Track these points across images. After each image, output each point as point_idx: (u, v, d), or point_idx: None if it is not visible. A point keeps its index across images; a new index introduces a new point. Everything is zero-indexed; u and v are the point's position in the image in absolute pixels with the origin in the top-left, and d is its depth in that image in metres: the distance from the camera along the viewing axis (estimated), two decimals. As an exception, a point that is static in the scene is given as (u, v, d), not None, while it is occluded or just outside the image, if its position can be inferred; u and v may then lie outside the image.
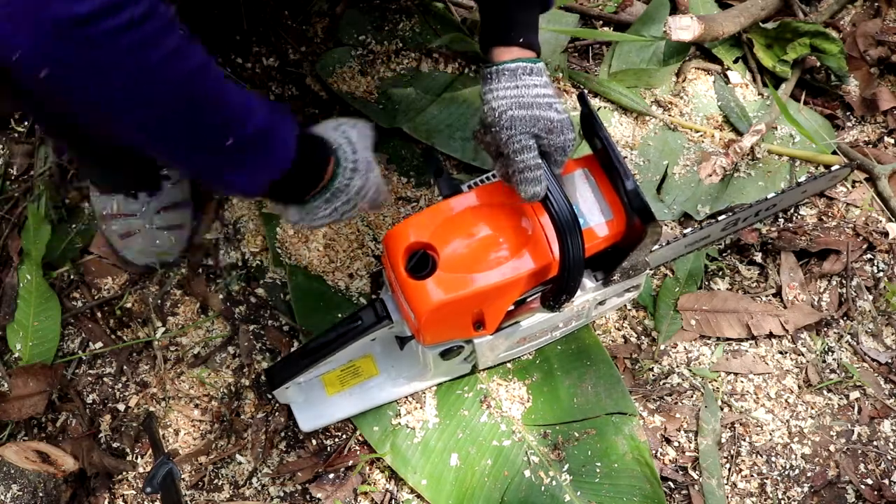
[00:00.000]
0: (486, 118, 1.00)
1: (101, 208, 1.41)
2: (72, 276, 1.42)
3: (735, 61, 1.64)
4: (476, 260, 1.02)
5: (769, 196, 1.28)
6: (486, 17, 1.04)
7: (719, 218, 1.28)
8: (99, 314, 1.40)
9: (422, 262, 1.02)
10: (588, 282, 1.15)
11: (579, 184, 1.07)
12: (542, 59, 1.02)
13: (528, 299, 1.09)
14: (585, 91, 1.04)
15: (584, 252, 0.96)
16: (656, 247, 1.25)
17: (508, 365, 1.31)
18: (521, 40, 1.00)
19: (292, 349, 1.33)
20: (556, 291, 1.01)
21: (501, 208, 1.04)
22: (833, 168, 1.32)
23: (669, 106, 1.58)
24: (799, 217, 1.47)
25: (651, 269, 1.28)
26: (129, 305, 1.40)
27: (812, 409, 1.31)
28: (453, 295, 1.00)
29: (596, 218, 1.05)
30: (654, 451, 1.27)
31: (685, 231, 1.27)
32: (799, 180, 1.30)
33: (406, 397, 1.28)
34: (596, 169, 1.07)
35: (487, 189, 1.07)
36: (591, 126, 1.00)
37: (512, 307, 1.09)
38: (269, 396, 1.30)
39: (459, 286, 1.01)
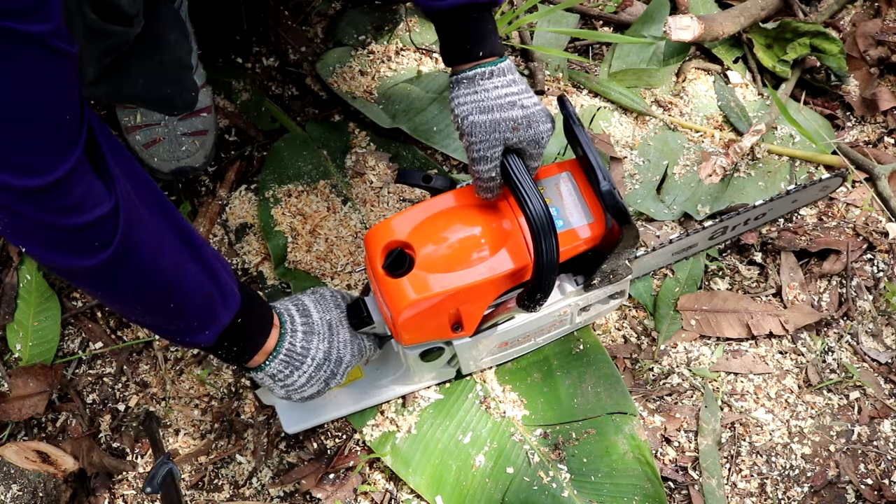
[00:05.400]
0: (455, 125, 1.03)
1: (124, 121, 1.44)
2: (72, 276, 1.42)
3: (735, 61, 1.64)
4: (453, 259, 1.02)
5: (757, 203, 1.28)
6: (442, 36, 1.05)
7: (706, 225, 1.28)
8: (99, 314, 1.40)
9: (399, 261, 1.02)
10: (569, 286, 1.15)
11: (562, 187, 1.07)
12: (504, 57, 1.03)
13: (506, 301, 1.09)
14: (565, 95, 1.04)
15: (558, 251, 0.96)
16: (641, 252, 1.25)
17: (508, 365, 1.31)
18: (480, 54, 1.01)
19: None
20: (530, 291, 1.01)
21: (481, 209, 1.05)
22: (824, 177, 1.32)
23: (669, 106, 1.58)
24: (799, 217, 1.47)
25: (634, 276, 1.28)
26: (129, 305, 1.40)
27: (812, 409, 1.31)
28: (429, 294, 1.01)
29: (577, 220, 1.05)
30: (654, 451, 1.27)
31: (671, 237, 1.27)
32: (788, 188, 1.30)
33: (406, 398, 1.28)
34: (579, 173, 1.08)
35: (467, 190, 1.07)
36: (570, 130, 1.01)
37: (491, 309, 1.09)
38: (269, 396, 1.30)
39: (435, 285, 1.01)
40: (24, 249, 0.80)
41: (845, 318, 1.38)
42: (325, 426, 1.29)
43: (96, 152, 0.80)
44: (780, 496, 1.24)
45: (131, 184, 0.84)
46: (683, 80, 1.61)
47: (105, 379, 1.35)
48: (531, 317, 1.15)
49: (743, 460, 1.27)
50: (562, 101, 1.01)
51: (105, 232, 0.80)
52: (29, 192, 0.73)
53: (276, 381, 1.07)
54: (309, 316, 1.08)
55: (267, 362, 1.05)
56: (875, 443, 1.28)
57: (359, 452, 1.26)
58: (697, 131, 1.56)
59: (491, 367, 1.30)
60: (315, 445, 1.28)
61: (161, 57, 1.23)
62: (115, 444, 1.30)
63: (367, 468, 1.26)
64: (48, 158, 0.73)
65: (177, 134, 1.43)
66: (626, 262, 1.12)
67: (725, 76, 1.63)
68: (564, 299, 1.16)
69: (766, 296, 1.39)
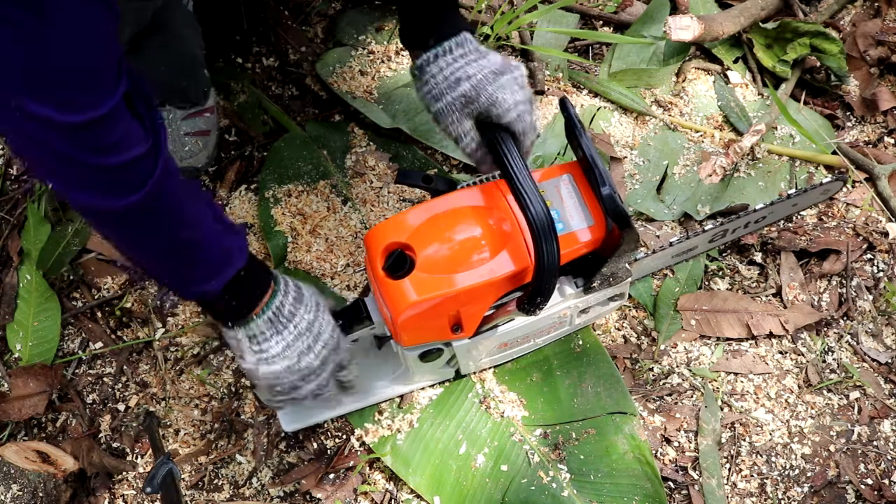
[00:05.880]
0: None
1: None
2: (71, 276, 1.42)
3: (735, 61, 1.64)
4: (454, 261, 1.02)
5: (757, 207, 1.28)
6: (402, 17, 1.06)
7: (706, 228, 1.28)
8: (99, 314, 1.40)
9: (399, 262, 1.02)
10: (568, 288, 1.15)
11: (563, 189, 1.07)
12: (450, 37, 1.03)
13: (507, 303, 1.09)
14: (567, 97, 1.04)
15: (559, 256, 0.96)
16: (641, 255, 1.24)
17: (508, 365, 1.31)
18: (430, 42, 1.03)
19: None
20: (531, 294, 1.01)
21: (481, 210, 1.04)
22: (825, 181, 1.32)
23: (669, 106, 1.58)
24: (799, 217, 1.47)
25: (634, 278, 1.28)
26: (128, 305, 1.40)
27: (812, 409, 1.31)
28: (429, 295, 1.00)
29: (577, 223, 1.05)
30: (654, 451, 1.27)
31: (672, 240, 1.27)
32: (789, 192, 1.30)
33: (405, 398, 1.28)
34: (579, 175, 1.08)
35: (468, 191, 1.07)
36: (572, 132, 1.01)
37: (491, 311, 1.09)
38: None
39: (436, 287, 1.01)
40: (51, 185, 0.81)
41: (845, 318, 1.38)
42: (325, 426, 1.29)
43: (136, 97, 0.82)
44: (780, 496, 1.24)
45: (162, 135, 0.86)
46: (683, 80, 1.61)
47: (105, 379, 1.36)
48: (531, 318, 1.15)
49: (743, 460, 1.27)
50: (563, 104, 1.01)
51: (140, 174, 0.81)
52: (70, 127, 0.74)
53: (252, 344, 1.04)
54: (300, 289, 1.08)
55: (254, 317, 1.03)
56: (875, 443, 1.28)
57: (359, 452, 1.26)
58: (697, 131, 1.56)
59: (490, 368, 1.30)
60: (315, 445, 1.28)
61: (180, 48, 1.25)
62: (115, 444, 1.30)
63: (367, 468, 1.26)
64: (93, 96, 0.75)
65: (180, 134, 1.44)
66: (626, 265, 1.12)
67: (725, 76, 1.63)
68: (564, 302, 1.16)
69: (766, 296, 1.39)
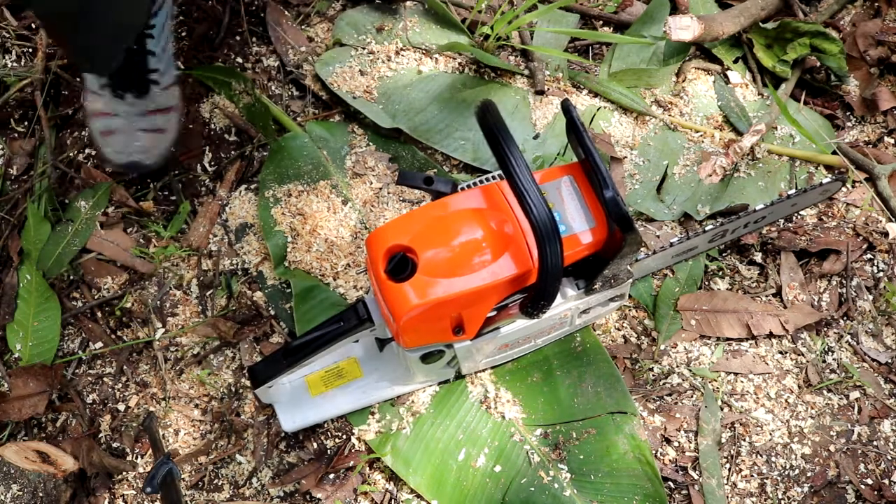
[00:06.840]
0: None
1: (91, 107, 1.44)
2: (71, 276, 1.42)
3: (735, 61, 1.64)
4: (456, 264, 1.01)
5: (758, 208, 1.28)
6: None
7: (707, 228, 1.28)
8: (99, 314, 1.40)
9: (401, 265, 1.02)
10: (570, 290, 1.15)
11: (564, 191, 1.07)
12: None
13: (509, 305, 1.09)
14: (568, 98, 1.03)
15: (562, 259, 0.95)
16: (642, 255, 1.24)
17: (508, 366, 1.31)
18: None
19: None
20: (534, 298, 1.01)
21: (483, 213, 1.04)
22: (824, 181, 1.32)
23: (669, 106, 1.58)
24: (799, 217, 1.47)
25: (634, 279, 1.28)
26: (128, 305, 1.40)
27: (812, 409, 1.31)
28: (431, 298, 1.00)
29: (579, 225, 1.05)
30: (654, 451, 1.27)
31: (672, 241, 1.27)
32: (789, 192, 1.30)
33: (405, 398, 1.28)
34: (580, 176, 1.08)
35: (469, 193, 1.06)
36: (574, 134, 1.00)
37: (493, 313, 1.09)
38: (270, 396, 1.30)
39: (438, 290, 1.00)
40: None
41: (845, 318, 1.38)
42: (325, 426, 1.29)
43: None
44: (780, 496, 1.24)
45: None
46: (683, 80, 1.61)
47: (105, 379, 1.36)
48: (533, 320, 1.15)
49: (743, 460, 1.27)
50: (566, 107, 1.01)
51: None
52: None
53: None
54: None
55: None
56: (875, 443, 1.28)
57: (359, 452, 1.26)
58: (697, 131, 1.56)
59: (490, 368, 1.30)
60: (315, 445, 1.28)
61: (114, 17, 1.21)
62: (115, 444, 1.30)
63: (367, 468, 1.26)
64: None
65: (133, 128, 1.42)
66: (628, 266, 1.12)
67: (725, 76, 1.63)
68: (565, 303, 1.16)
69: (766, 296, 1.39)
